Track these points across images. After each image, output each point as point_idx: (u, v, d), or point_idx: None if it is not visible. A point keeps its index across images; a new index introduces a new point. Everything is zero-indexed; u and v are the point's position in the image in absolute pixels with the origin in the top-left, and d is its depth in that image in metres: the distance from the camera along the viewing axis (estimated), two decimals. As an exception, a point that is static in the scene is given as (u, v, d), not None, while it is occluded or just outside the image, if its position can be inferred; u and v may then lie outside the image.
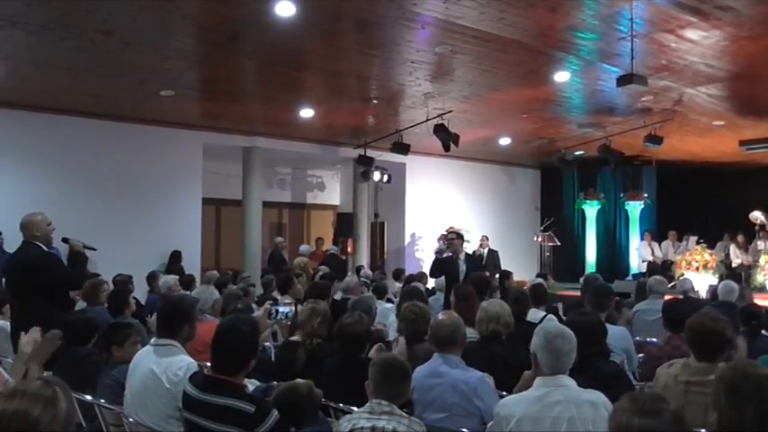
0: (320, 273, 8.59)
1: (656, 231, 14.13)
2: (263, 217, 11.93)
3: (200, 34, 6.92)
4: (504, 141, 12.55)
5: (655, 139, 10.65)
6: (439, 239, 11.80)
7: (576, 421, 2.45)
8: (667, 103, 9.51)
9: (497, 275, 9.46)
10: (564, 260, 14.48)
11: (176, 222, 10.58)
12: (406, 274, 9.53)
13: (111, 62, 7.37)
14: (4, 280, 5.45)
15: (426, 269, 8.77)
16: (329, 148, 12.43)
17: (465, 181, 14.25)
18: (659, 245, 13.56)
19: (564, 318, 5.34)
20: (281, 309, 4.25)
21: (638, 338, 5.22)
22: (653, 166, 14.72)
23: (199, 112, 10.22)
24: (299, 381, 2.90)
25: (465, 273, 7.25)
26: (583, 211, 15.27)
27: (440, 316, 3.59)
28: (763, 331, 4.65)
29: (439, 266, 7.53)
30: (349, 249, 13.09)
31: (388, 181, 12.85)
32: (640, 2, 5.93)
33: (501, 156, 14.32)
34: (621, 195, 14.95)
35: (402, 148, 11.08)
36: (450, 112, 9.48)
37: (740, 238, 12.70)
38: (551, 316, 4.98)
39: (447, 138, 9.81)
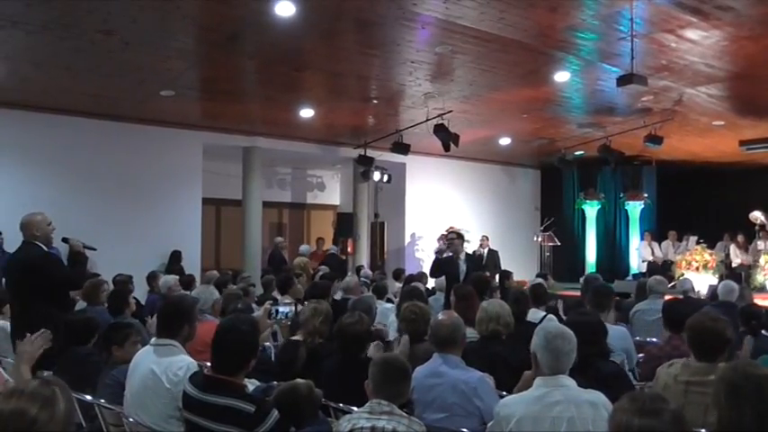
0: (320, 273, 8.60)
1: (656, 231, 14.12)
2: (263, 217, 11.94)
3: (200, 34, 6.92)
4: (504, 141, 12.55)
5: (655, 139, 10.65)
6: (439, 239, 11.80)
7: (575, 421, 2.45)
8: (667, 103, 9.51)
9: (497, 275, 9.46)
10: (564, 260, 14.48)
11: (176, 222, 10.58)
12: (406, 274, 9.52)
13: (111, 62, 7.37)
14: (4, 280, 5.44)
15: (426, 269, 8.77)
16: (329, 148, 12.43)
17: (465, 181, 14.25)
18: (659, 245, 13.56)
19: (564, 316, 5.35)
20: (281, 309, 4.25)
21: (638, 338, 5.22)
22: (653, 166, 14.72)
23: (199, 112, 10.22)
24: (299, 381, 2.90)
25: (465, 273, 7.26)
26: (583, 211, 15.28)
27: (440, 316, 3.59)
28: (763, 331, 4.65)
29: (439, 266, 7.54)
30: (349, 249, 13.09)
31: (388, 181, 12.85)
32: (640, 2, 5.92)
33: (501, 156, 14.32)
34: (621, 195, 14.95)
35: (402, 148, 11.08)
36: (450, 112, 9.48)
37: (740, 238, 12.70)
38: (551, 316, 4.98)
39: (447, 138, 9.81)
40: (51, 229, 4.65)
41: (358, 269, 10.92)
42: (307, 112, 10.02)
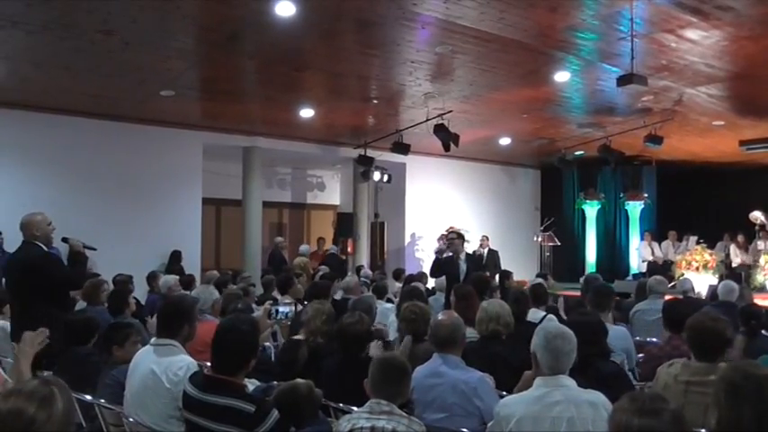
0: (320, 273, 8.60)
1: (656, 231, 14.12)
2: (263, 217, 11.94)
3: (200, 34, 6.91)
4: (505, 141, 12.55)
5: (655, 139, 10.65)
6: (439, 239, 11.80)
7: (575, 421, 2.45)
8: (667, 103, 9.51)
9: (497, 275, 9.46)
10: (564, 260, 14.48)
11: (176, 222, 10.58)
12: (406, 274, 9.52)
13: (111, 62, 7.37)
14: (4, 280, 5.44)
15: (426, 269, 8.77)
16: (329, 148, 12.43)
17: (465, 181, 14.25)
18: (659, 245, 13.56)
19: (564, 316, 5.35)
20: (281, 309, 4.25)
21: (638, 338, 5.22)
22: (653, 166, 14.72)
23: (199, 112, 10.22)
24: (299, 381, 2.90)
25: (465, 273, 7.26)
26: (583, 211, 15.28)
27: (440, 316, 3.59)
28: (762, 331, 4.65)
29: (439, 266, 7.54)
30: (349, 249, 13.10)
31: (388, 181, 12.85)
32: (640, 2, 5.92)
33: (501, 156, 14.32)
34: (621, 195, 14.95)
35: (402, 148, 11.08)
36: (451, 112, 9.48)
37: (740, 238, 12.70)
38: (551, 316, 4.98)
39: (447, 138, 9.81)
40: (51, 229, 4.64)
41: (358, 269, 10.92)
42: (307, 112, 10.02)
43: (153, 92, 8.69)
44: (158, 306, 3.72)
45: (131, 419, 2.98)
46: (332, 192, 15.09)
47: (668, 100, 9.30)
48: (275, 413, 2.57)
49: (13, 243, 5.74)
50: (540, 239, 13.82)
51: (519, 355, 3.35)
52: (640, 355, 4.60)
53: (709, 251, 11.77)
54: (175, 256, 10.25)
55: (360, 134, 11.72)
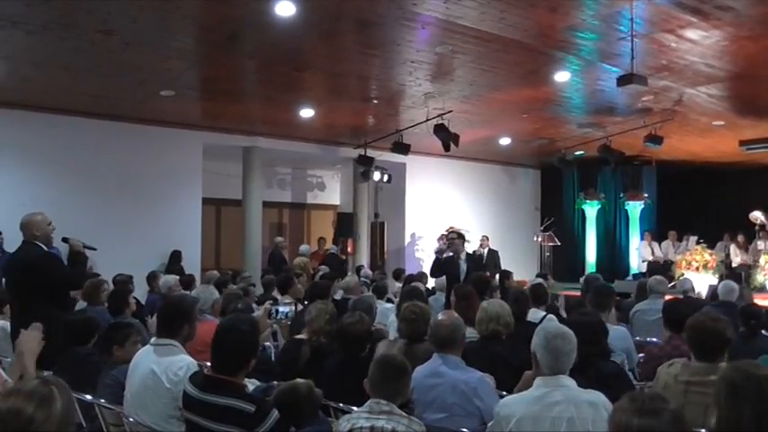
0: (320, 273, 8.60)
1: (656, 231, 14.12)
2: (263, 217, 11.94)
3: (200, 34, 6.91)
4: (505, 141, 12.55)
5: (655, 139, 10.65)
6: (439, 239, 11.80)
7: (575, 421, 2.45)
8: (667, 103, 9.51)
9: (497, 275, 9.46)
10: (564, 260, 14.47)
11: (176, 222, 10.58)
12: (406, 274, 9.52)
13: (111, 62, 7.37)
14: (4, 280, 5.44)
15: (426, 269, 8.77)
16: (329, 148, 12.43)
17: (465, 181, 14.25)
18: (659, 245, 13.56)
19: (564, 315, 5.35)
20: (281, 309, 4.25)
21: (638, 338, 5.22)
22: (653, 166, 14.72)
23: (199, 112, 10.22)
24: (299, 380, 2.90)
25: (465, 273, 7.26)
26: (583, 211, 15.28)
27: (440, 316, 3.58)
28: (762, 331, 4.64)
29: (440, 266, 7.54)
30: (349, 249, 13.10)
31: (389, 181, 12.85)
32: (640, 2, 5.92)
33: (501, 156, 14.32)
34: (621, 195, 14.95)
35: (402, 148, 11.08)
36: (451, 112, 9.48)
37: (740, 238, 12.70)
38: (551, 316, 4.98)
39: (447, 138, 9.81)
40: (51, 229, 4.64)
41: (358, 269, 10.92)
42: (307, 112, 10.03)
43: (153, 92, 8.69)
44: (158, 306, 3.72)
45: (131, 419, 2.98)
46: (332, 192, 15.09)
47: (668, 100, 9.30)
48: (275, 413, 2.57)
49: (13, 243, 5.74)
50: (540, 239, 13.82)
51: (519, 355, 3.35)
52: (640, 355, 4.59)
53: (709, 251, 11.78)
54: (175, 256, 10.25)
55: (360, 134, 11.72)
